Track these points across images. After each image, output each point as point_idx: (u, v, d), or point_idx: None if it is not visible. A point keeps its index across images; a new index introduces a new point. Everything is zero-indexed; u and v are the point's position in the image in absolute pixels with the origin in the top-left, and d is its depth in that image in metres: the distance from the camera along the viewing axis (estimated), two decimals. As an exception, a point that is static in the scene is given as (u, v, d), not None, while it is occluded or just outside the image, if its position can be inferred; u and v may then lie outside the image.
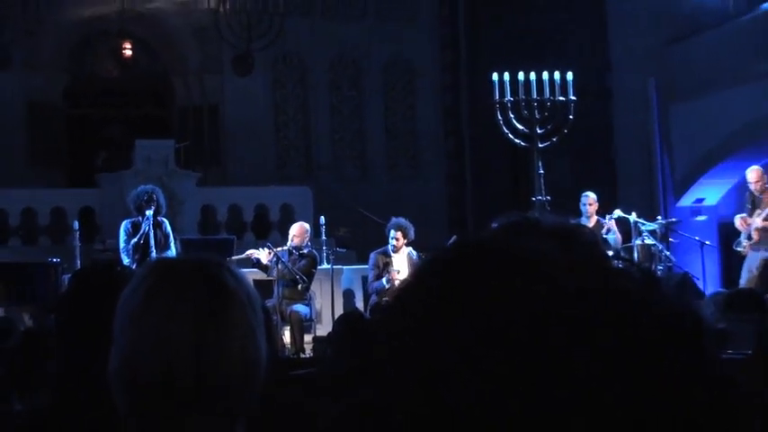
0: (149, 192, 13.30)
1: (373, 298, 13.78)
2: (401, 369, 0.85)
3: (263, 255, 13.64)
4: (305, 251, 13.94)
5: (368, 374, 0.88)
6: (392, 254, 13.82)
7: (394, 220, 14.10)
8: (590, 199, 14.68)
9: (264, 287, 13.35)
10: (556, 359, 0.82)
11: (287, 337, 13.53)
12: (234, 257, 13.62)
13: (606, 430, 0.81)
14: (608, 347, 0.82)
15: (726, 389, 0.87)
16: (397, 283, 13.53)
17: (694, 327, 0.89)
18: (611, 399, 0.81)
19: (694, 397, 0.85)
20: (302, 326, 13.39)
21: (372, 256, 14.18)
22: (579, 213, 14.55)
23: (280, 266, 13.53)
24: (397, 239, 13.81)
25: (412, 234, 13.97)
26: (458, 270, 0.88)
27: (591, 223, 14.22)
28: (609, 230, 14.49)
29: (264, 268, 13.70)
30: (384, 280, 13.65)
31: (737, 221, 14.17)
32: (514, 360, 0.82)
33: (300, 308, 13.56)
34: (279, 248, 13.77)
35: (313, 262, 14.04)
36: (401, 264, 13.72)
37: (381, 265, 13.85)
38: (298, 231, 14.02)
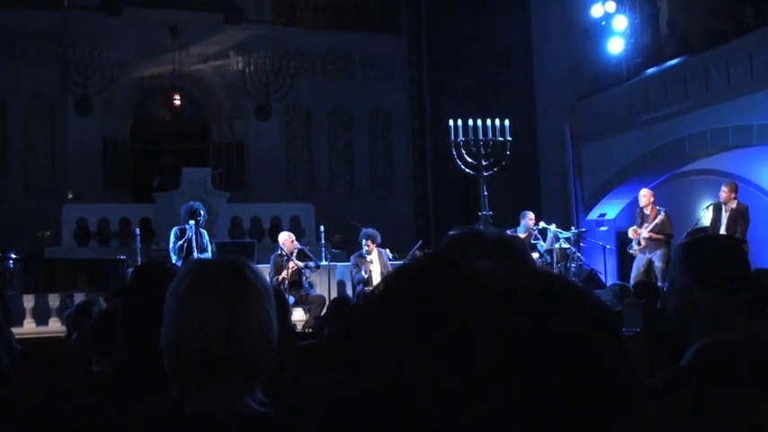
0: (194, 208, 13.21)
1: (359, 287, 13.73)
2: (372, 351, 0.85)
3: (286, 273, 13.46)
4: (300, 249, 13.86)
5: (349, 350, 0.87)
6: (366, 255, 13.79)
7: (364, 230, 14.05)
8: (530, 215, 14.66)
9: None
10: (481, 343, 0.81)
11: (295, 315, 13.43)
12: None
13: (529, 396, 0.80)
14: (525, 332, 0.82)
15: (623, 356, 0.87)
16: (372, 271, 13.57)
17: (598, 311, 0.88)
18: (531, 376, 0.80)
19: (598, 361, 0.84)
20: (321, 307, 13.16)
21: (352, 258, 14.16)
22: (514, 224, 14.55)
23: (291, 265, 13.45)
24: (368, 245, 13.78)
25: (379, 239, 13.92)
26: (416, 280, 0.88)
27: (524, 234, 14.23)
28: (538, 239, 14.49)
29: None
30: (363, 271, 13.64)
31: (630, 233, 14.19)
32: (447, 344, 0.81)
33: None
34: (292, 263, 13.53)
35: (308, 255, 13.97)
36: (375, 261, 13.71)
37: (359, 263, 13.83)
38: (288, 237, 13.87)
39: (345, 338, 0.89)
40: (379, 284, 0.94)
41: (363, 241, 13.84)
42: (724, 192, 13.12)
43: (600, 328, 0.86)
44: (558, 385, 0.80)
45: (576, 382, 0.81)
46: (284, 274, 13.32)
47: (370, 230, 13.99)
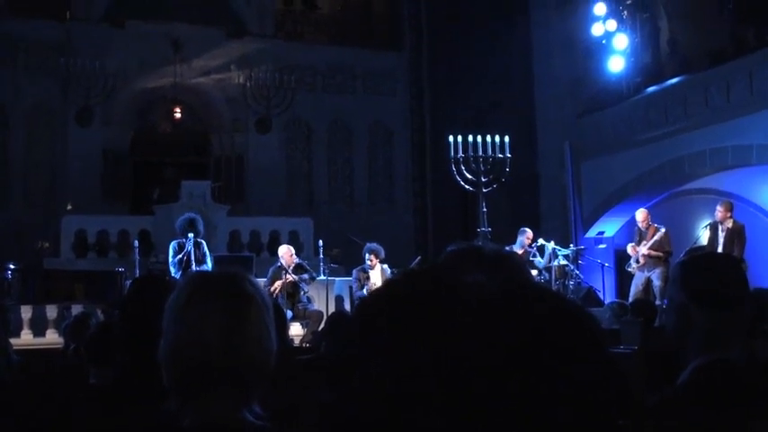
0: (191, 219, 13.18)
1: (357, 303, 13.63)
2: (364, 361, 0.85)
3: (279, 284, 13.41)
4: (298, 264, 13.80)
5: (346, 358, 0.88)
6: (369, 270, 13.71)
7: (368, 245, 13.95)
8: (528, 233, 14.64)
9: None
10: (478, 350, 0.81)
11: (293, 330, 13.36)
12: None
13: (521, 405, 0.80)
14: (522, 340, 0.82)
15: (610, 365, 0.88)
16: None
17: (591, 324, 0.89)
18: (523, 385, 0.81)
19: (588, 371, 0.84)
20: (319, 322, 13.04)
21: (354, 272, 14.05)
22: (513, 241, 14.52)
23: (289, 279, 13.39)
24: (371, 260, 13.68)
25: (382, 254, 13.82)
26: (413, 288, 0.88)
27: (521, 250, 14.21)
28: (535, 256, 14.49)
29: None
30: (364, 290, 13.54)
31: (629, 248, 14.20)
32: (444, 351, 0.81)
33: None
34: (288, 276, 13.48)
35: (305, 268, 13.90)
36: (377, 277, 13.61)
37: (361, 278, 13.74)
38: (288, 251, 13.82)
39: (342, 349, 0.89)
40: (375, 290, 0.94)
41: (366, 255, 13.75)
42: (719, 211, 13.14)
43: (594, 338, 0.87)
44: (555, 392, 0.81)
45: (572, 390, 0.82)
46: (277, 284, 13.28)
47: (374, 245, 13.92)
